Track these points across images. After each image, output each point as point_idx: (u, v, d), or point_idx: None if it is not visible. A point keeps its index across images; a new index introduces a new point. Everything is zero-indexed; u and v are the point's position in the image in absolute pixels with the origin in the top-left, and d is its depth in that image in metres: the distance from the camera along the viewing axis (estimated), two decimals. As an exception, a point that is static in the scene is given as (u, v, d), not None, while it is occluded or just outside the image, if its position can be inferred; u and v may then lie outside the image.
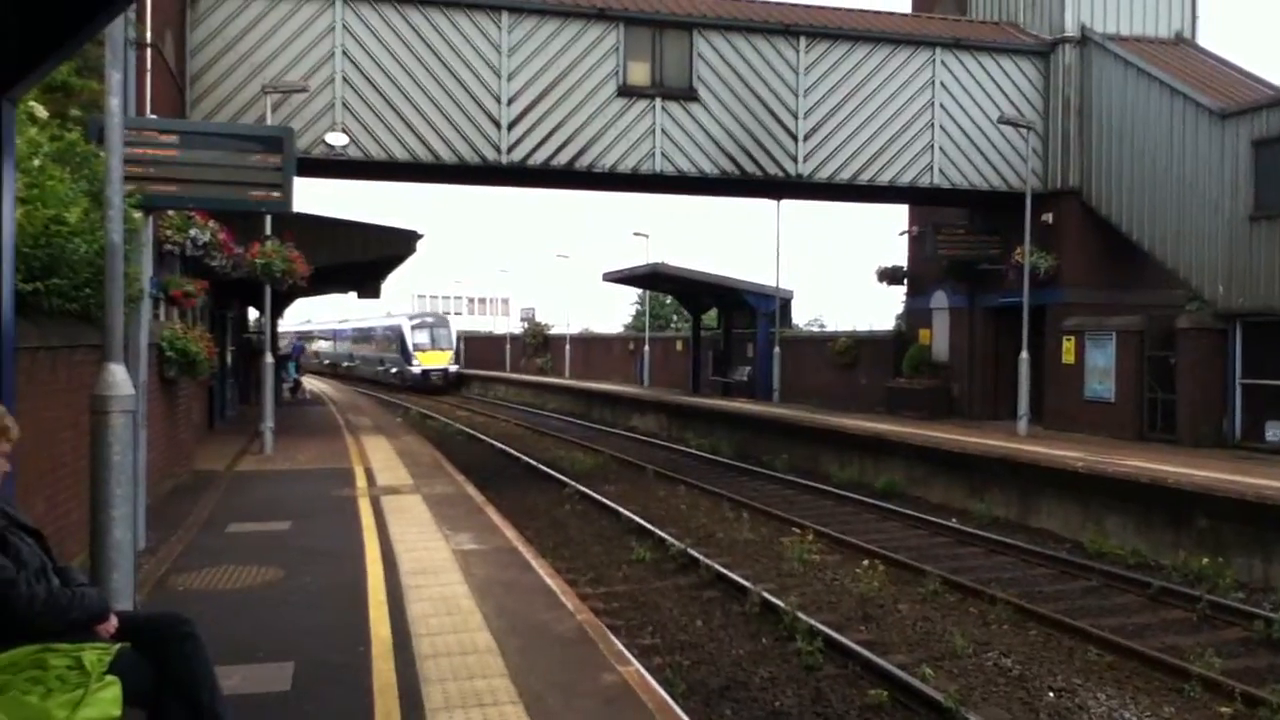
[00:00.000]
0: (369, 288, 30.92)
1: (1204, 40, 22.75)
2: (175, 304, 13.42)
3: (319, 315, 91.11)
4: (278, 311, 30.56)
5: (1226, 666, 8.71)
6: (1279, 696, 7.80)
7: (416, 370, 51.26)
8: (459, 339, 61.73)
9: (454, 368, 53.47)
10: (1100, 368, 19.75)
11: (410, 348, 51.93)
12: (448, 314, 60.38)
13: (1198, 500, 12.82)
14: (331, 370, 69.65)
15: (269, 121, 16.70)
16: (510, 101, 19.34)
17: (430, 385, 50.61)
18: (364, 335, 64.03)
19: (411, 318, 54.96)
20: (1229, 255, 17.85)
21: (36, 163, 7.45)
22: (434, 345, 52.40)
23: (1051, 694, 8.33)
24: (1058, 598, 11.36)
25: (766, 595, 10.62)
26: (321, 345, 77.24)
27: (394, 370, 54.08)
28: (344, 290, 33.39)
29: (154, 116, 12.93)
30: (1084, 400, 20.07)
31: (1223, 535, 12.44)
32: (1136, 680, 8.65)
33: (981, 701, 8.05)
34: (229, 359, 24.62)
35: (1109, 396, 19.52)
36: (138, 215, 8.88)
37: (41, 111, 8.85)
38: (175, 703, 3.92)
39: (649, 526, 14.66)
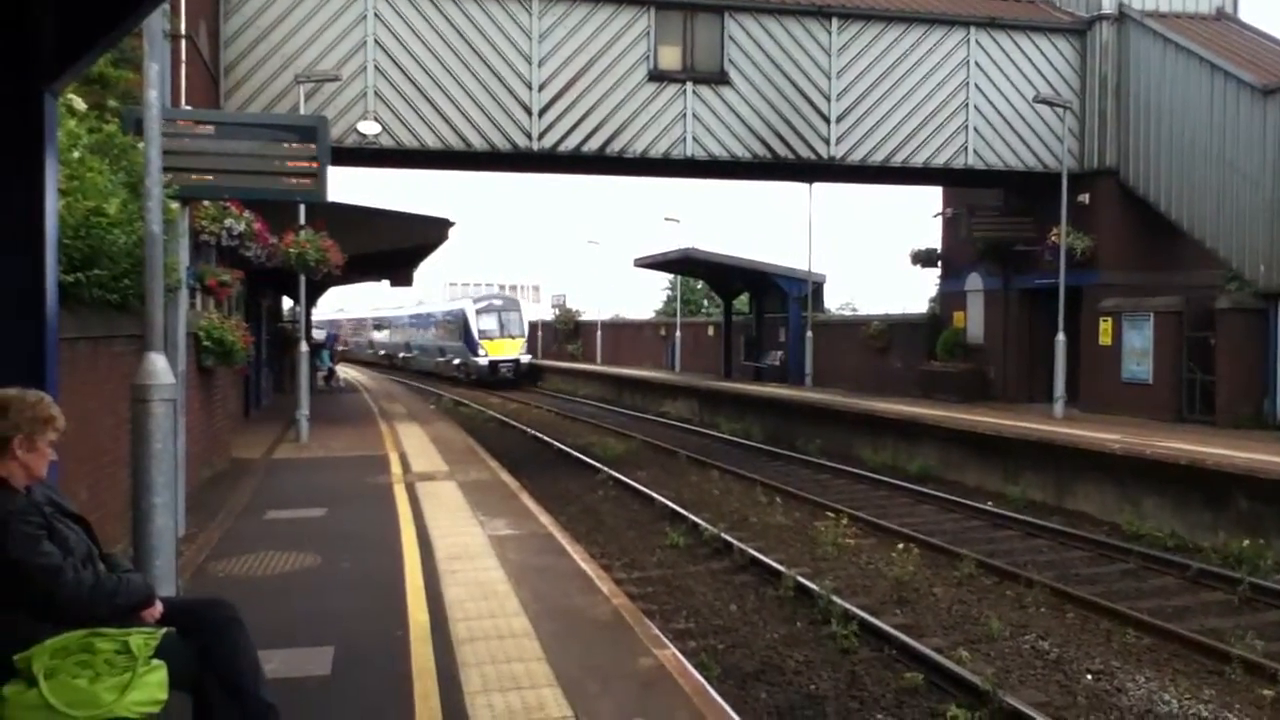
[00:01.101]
0: (401, 276, 31.02)
1: (1246, 15, 22.37)
2: (211, 294, 13.54)
3: (375, 301, 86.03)
4: (312, 300, 30.77)
5: (1269, 649, 8.62)
6: (1321, 680, 7.71)
7: (482, 361, 45.24)
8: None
9: (526, 358, 47.05)
10: (1138, 349, 19.54)
11: (475, 336, 45.81)
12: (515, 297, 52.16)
13: (1237, 482, 12.68)
14: (387, 362, 64.01)
15: (302, 111, 16.80)
16: (541, 88, 19.34)
17: (498, 379, 44.58)
18: (422, 322, 58.05)
19: (476, 301, 48.39)
20: (1270, 235, 17.57)
21: (76, 155, 7.54)
22: (503, 332, 46.12)
23: (1089, 676, 8.29)
24: (1095, 580, 11.29)
25: (801, 579, 10.62)
26: (376, 335, 70.77)
27: (456, 361, 48.35)
28: (377, 279, 33.54)
29: (189, 108, 13.04)
30: (1121, 382, 19.86)
31: (1263, 517, 12.30)
32: (1176, 663, 8.59)
33: (1019, 684, 8.02)
34: (264, 348, 24.83)
35: (1146, 378, 19.31)
36: (175, 206, 8.97)
37: (80, 104, 8.94)
38: (219, 686, 3.99)
39: (682, 511, 14.69)
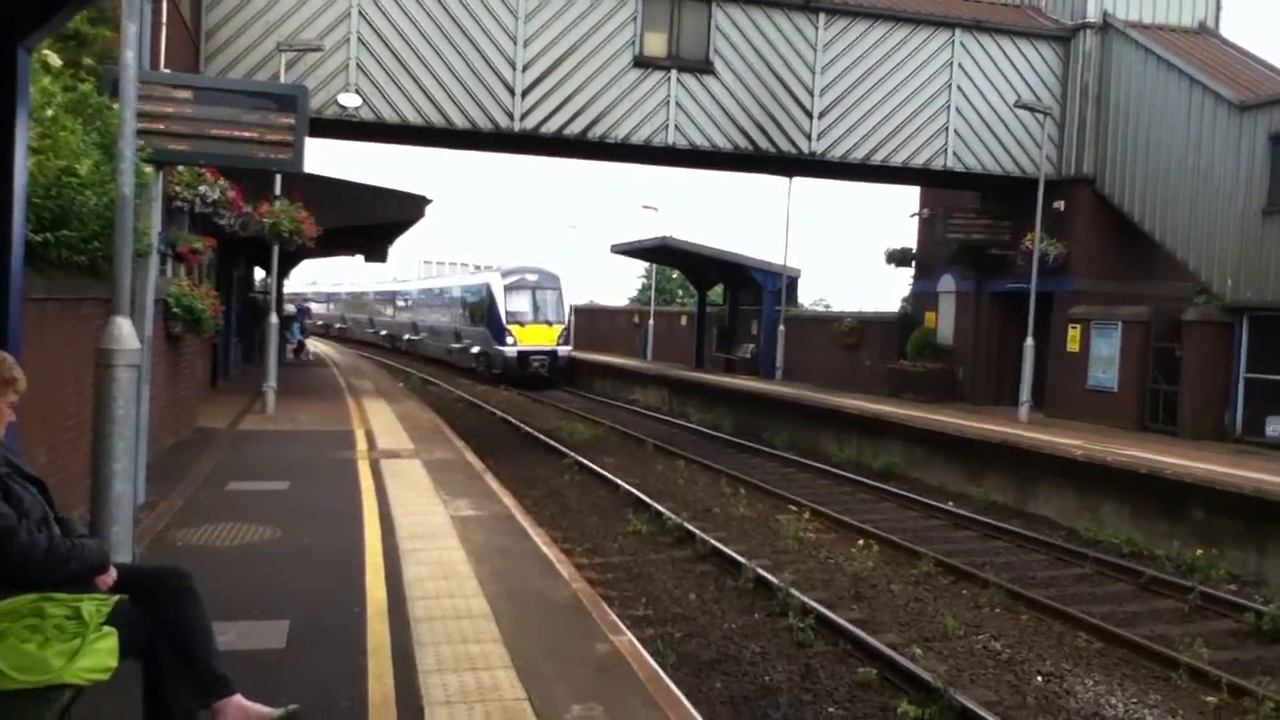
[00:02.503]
0: (376, 251, 30.87)
1: (1227, 31, 22.56)
2: (183, 261, 13.45)
3: (380, 274, 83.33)
4: (285, 272, 30.53)
5: (1214, 657, 8.76)
6: (1265, 688, 7.85)
7: (510, 352, 35.94)
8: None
9: (565, 349, 37.42)
10: (1104, 357, 19.74)
11: (503, 318, 36.38)
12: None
13: (1194, 492, 12.85)
14: (389, 344, 55.62)
15: (283, 80, 16.65)
16: (526, 68, 19.25)
17: (529, 374, 35.73)
18: (433, 299, 48.53)
19: (506, 274, 38.23)
20: (1240, 249, 17.78)
21: (50, 113, 7.45)
22: (537, 315, 36.82)
23: (1040, 678, 8.40)
24: (1050, 583, 11.43)
25: (761, 571, 10.68)
26: (377, 313, 61.45)
27: (476, 349, 39.10)
28: (351, 253, 33.34)
29: (168, 71, 12.90)
30: (1087, 389, 20.06)
31: (1218, 527, 12.49)
32: (1124, 667, 8.72)
33: (970, 683, 8.11)
34: (234, 318, 24.65)
35: (1112, 386, 19.52)
36: (148, 170, 8.88)
37: (55, 60, 8.84)
38: (171, 655, 3.97)
39: (647, 499, 14.73)
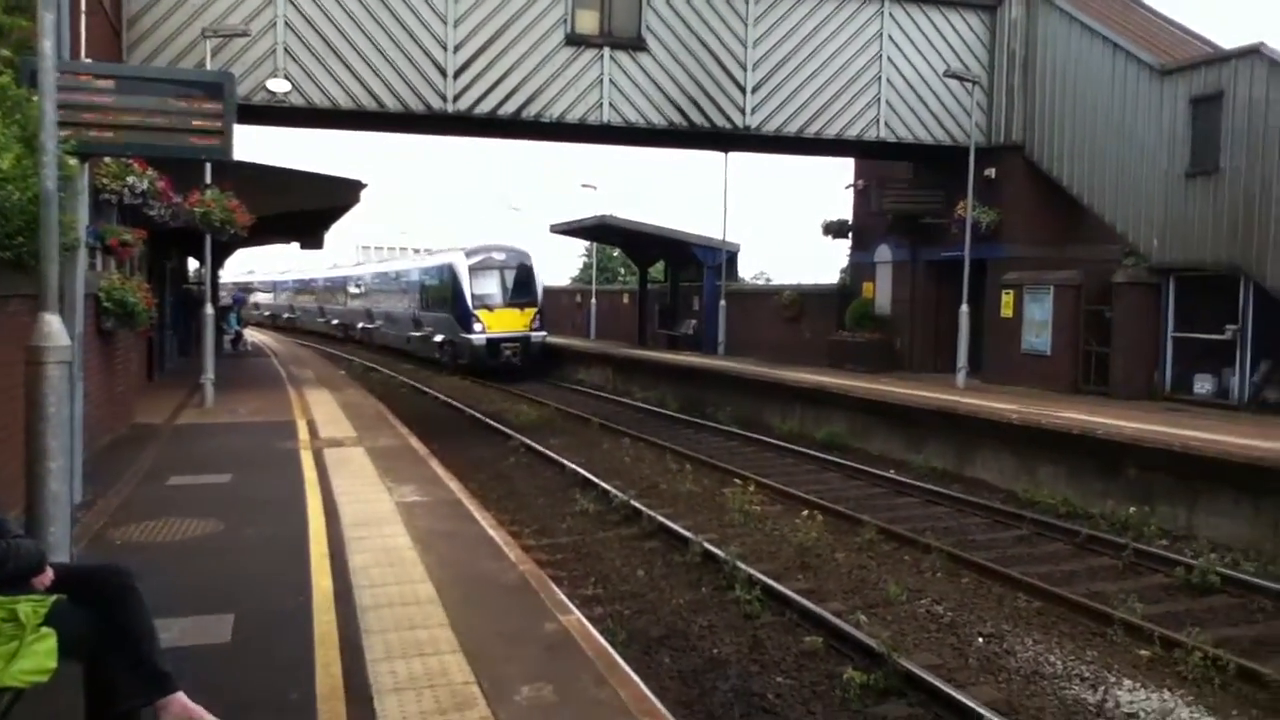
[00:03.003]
0: (312, 238, 30.45)
1: (1148, -3, 22.95)
2: (113, 253, 13.19)
3: (332, 259, 75.34)
4: (219, 262, 30.05)
5: (1148, 611, 9.02)
6: (1194, 639, 8.11)
7: (478, 340, 32.59)
8: None
9: (539, 335, 34.06)
10: (1038, 321, 20.10)
11: (469, 302, 33.03)
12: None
13: (1127, 451, 13.18)
14: (342, 334, 52.54)
15: (209, 67, 16.34)
16: (457, 48, 19.07)
17: (500, 364, 32.54)
18: (389, 283, 45.00)
19: (470, 253, 34.51)
20: (1165, 211, 18.18)
21: (-35, 108, 7.26)
22: (507, 299, 33.51)
23: (981, 639, 8.60)
24: (990, 546, 11.68)
25: (707, 545, 10.80)
26: (328, 301, 57.82)
27: (440, 338, 35.67)
28: (286, 241, 32.88)
29: (89, 60, 12.60)
30: (1022, 353, 20.43)
31: (1150, 485, 12.83)
32: (1062, 625, 8.95)
33: (914, 647, 8.28)
34: (168, 310, 24.24)
35: (1045, 350, 19.89)
36: (73, 162, 8.69)
37: (-31, 54, 8.60)
38: (114, 654, 3.95)
39: (593, 479, 14.78)
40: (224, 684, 4.91)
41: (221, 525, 8.42)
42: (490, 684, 5.10)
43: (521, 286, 34.03)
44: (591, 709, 4.89)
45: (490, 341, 32.60)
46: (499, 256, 34.46)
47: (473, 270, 33.65)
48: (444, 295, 35.25)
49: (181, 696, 4.09)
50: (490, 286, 33.63)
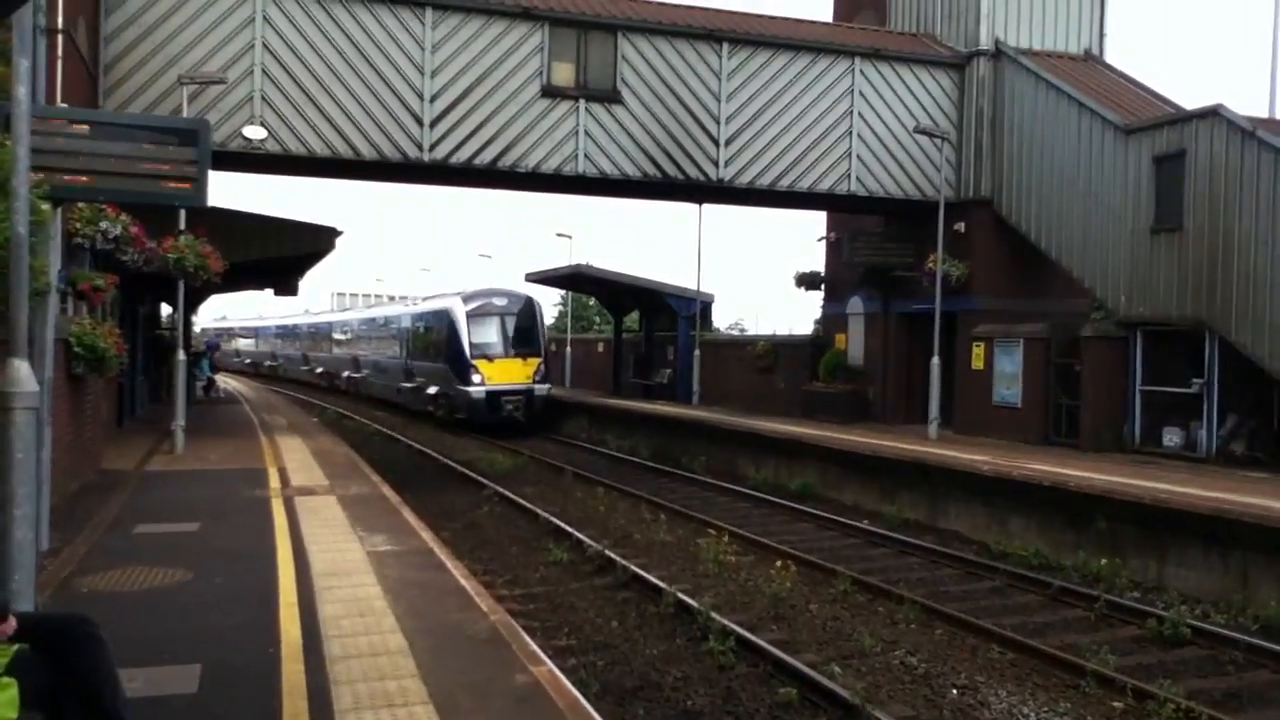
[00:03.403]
0: (286, 285, 30.34)
1: (1111, 58, 23.48)
2: (84, 298, 13.09)
3: (318, 303, 74.53)
4: (192, 308, 29.87)
5: (1120, 663, 9.04)
6: (1166, 690, 8.12)
7: (477, 392, 29.68)
8: None
9: (543, 388, 31.18)
10: (1008, 374, 20.27)
11: (466, 351, 30.27)
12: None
13: (1097, 503, 13.25)
14: (325, 382, 50.00)
15: (185, 113, 16.38)
16: (433, 99, 19.22)
17: (502, 419, 29.69)
18: (378, 330, 41.95)
19: (469, 298, 31.95)
20: (1131, 266, 18.46)
21: (-61, 152, 7.23)
22: (509, 348, 30.76)
23: (955, 691, 8.58)
24: (963, 597, 11.68)
25: (681, 596, 10.75)
26: (312, 348, 54.64)
27: (433, 390, 32.84)
28: (260, 287, 32.70)
29: (64, 105, 12.60)
30: (993, 405, 20.57)
31: (1120, 537, 12.89)
32: (1036, 677, 8.94)
33: (888, 699, 8.25)
34: (140, 356, 24.05)
35: (1016, 402, 20.04)
36: (46, 207, 8.66)
37: (-56, 98, 8.58)
38: (76, 704, 3.89)
39: (567, 528, 14.71)
40: (189, 736, 4.82)
41: (190, 574, 8.30)
42: (461, 736, 5.04)
43: (524, 334, 31.27)
44: (563, 761, 4.83)
45: (490, 395, 29.64)
46: (499, 302, 31.80)
47: (471, 316, 30.88)
48: (439, 343, 32.49)
49: (146, 748, 4.01)
50: (490, 334, 30.88)
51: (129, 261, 14.36)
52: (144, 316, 25.74)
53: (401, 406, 36.78)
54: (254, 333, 72.96)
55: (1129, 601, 11.27)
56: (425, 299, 36.86)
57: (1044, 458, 16.76)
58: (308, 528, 10.43)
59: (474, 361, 30.08)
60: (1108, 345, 18.56)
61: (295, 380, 54.81)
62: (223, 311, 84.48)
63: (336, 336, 49.39)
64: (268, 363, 65.33)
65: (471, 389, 29.75)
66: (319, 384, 50.83)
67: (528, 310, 31.94)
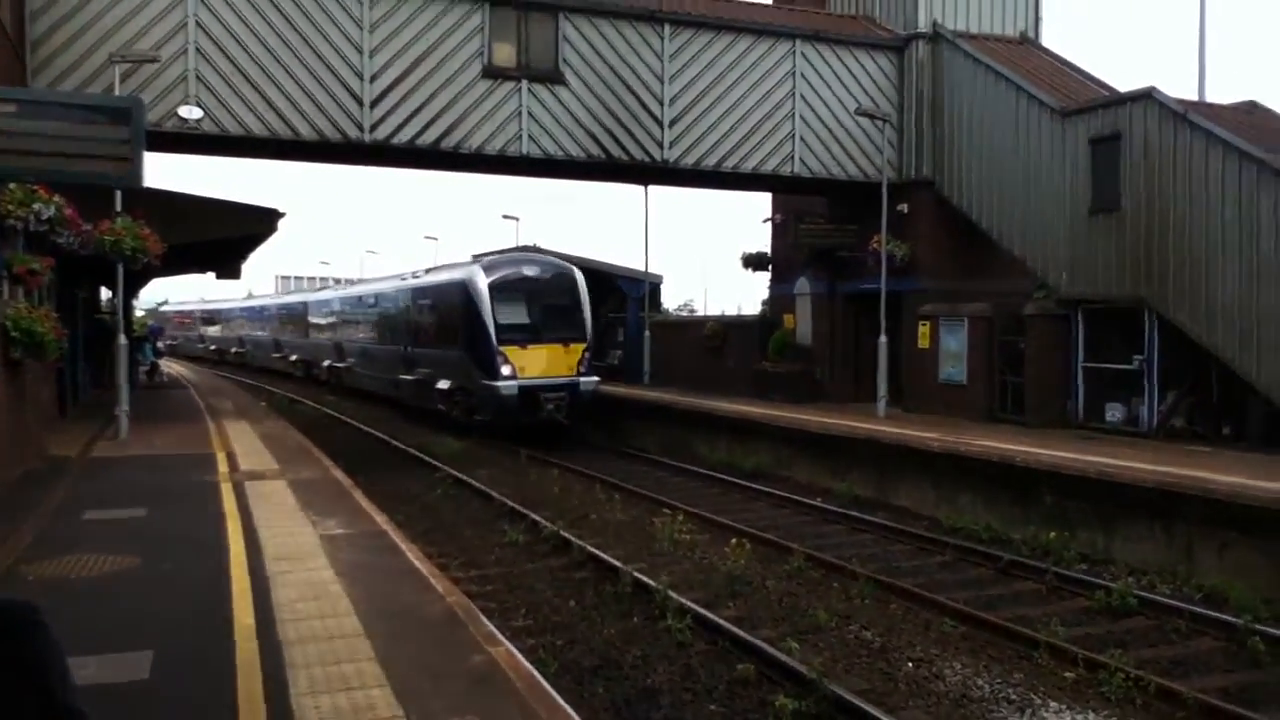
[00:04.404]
0: (228, 268, 29.74)
1: (1047, 41, 23.75)
2: (20, 282, 12.77)
3: (258, 289, 68.33)
4: (133, 291, 29.24)
5: (1071, 634, 9.20)
6: (1116, 660, 8.27)
7: (507, 388, 23.06)
8: None
9: (590, 381, 24.37)
10: (953, 352, 20.48)
11: (491, 336, 23.50)
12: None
13: (1044, 478, 13.47)
14: (303, 371, 43.46)
15: (118, 93, 15.95)
16: (374, 79, 18.89)
17: (540, 422, 23.26)
18: (367, 310, 34.79)
19: (491, 266, 25.26)
20: (1071, 246, 18.72)
21: None
22: (546, 331, 24.09)
23: (910, 664, 8.68)
24: (916, 572, 11.80)
25: (638, 575, 10.75)
26: (283, 332, 47.61)
27: (445, 385, 25.94)
28: (201, 271, 32.07)
29: (-9, 84, 12.23)
30: (939, 383, 20.78)
31: (1067, 511, 13.10)
32: (989, 649, 9.07)
33: (844, 673, 8.32)
34: (80, 341, 23.51)
35: (961, 379, 20.27)
36: (-25, 187, 8.41)
37: None
38: (24, 696, 3.76)
39: (522, 509, 14.65)
40: (144, 722, 4.72)
41: (139, 560, 8.13)
42: (418, 717, 4.99)
43: (564, 313, 24.50)
44: (526, 740, 4.80)
45: (525, 391, 23.04)
46: (531, 271, 24.89)
47: (496, 290, 23.93)
48: (453, 325, 25.58)
49: (98, 735, 3.89)
50: (521, 313, 24.14)
51: (64, 244, 14.00)
52: (83, 301, 25.15)
53: (399, 404, 30.83)
54: (216, 316, 66.33)
55: (1077, 574, 11.46)
56: (429, 270, 29.77)
57: (990, 434, 16.98)
58: (258, 512, 10.27)
59: (501, 349, 23.31)
60: (1050, 323, 18.82)
61: (266, 370, 49.21)
62: (200, 294, 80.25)
63: (314, 319, 42.11)
64: (234, 349, 58.87)
65: (499, 384, 22.99)
66: (293, 374, 44.65)
67: (567, 281, 25.03)
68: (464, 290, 24.60)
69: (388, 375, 31.23)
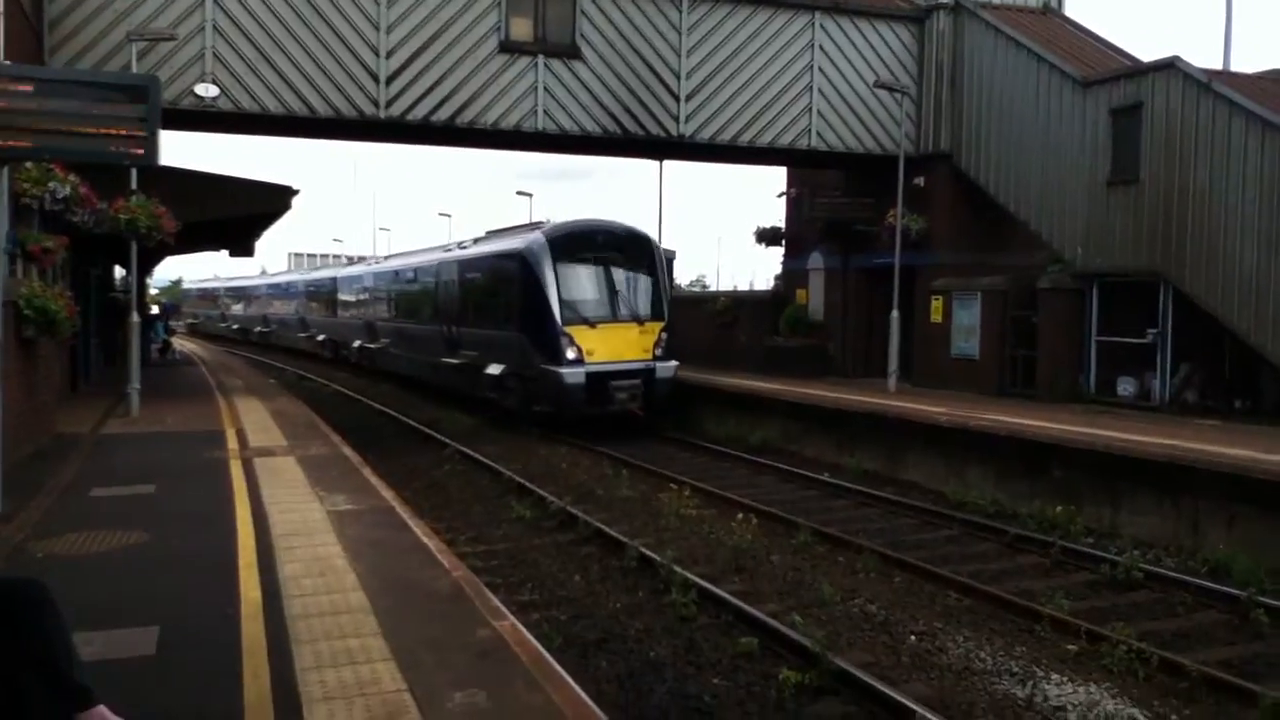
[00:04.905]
0: (241, 246, 29.92)
1: (1070, 11, 23.53)
2: (34, 260, 12.87)
3: (273, 267, 67.98)
4: (146, 270, 29.40)
5: (1074, 607, 9.24)
6: (1118, 633, 8.31)
7: (573, 375, 20.39)
8: None
9: (669, 366, 21.54)
10: (966, 326, 20.44)
11: (555, 313, 20.75)
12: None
13: (1052, 451, 13.47)
14: (332, 353, 40.97)
15: (135, 71, 16.02)
16: (389, 55, 18.91)
17: (611, 412, 20.69)
18: (402, 284, 32.04)
19: (554, 234, 21.91)
20: (1088, 219, 18.62)
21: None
22: (619, 308, 21.43)
23: (913, 638, 8.72)
24: (921, 546, 11.84)
25: (643, 550, 10.82)
26: (311, 309, 45.05)
27: (497, 370, 22.88)
28: (215, 248, 32.29)
29: (7, 62, 12.30)
30: (951, 357, 20.76)
31: (1075, 484, 13.11)
32: (992, 623, 9.11)
33: (848, 647, 8.38)
34: (93, 319, 23.71)
35: (974, 354, 20.24)
36: (-11, 167, 8.49)
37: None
38: (31, 672, 3.86)
39: (529, 485, 14.74)
40: (149, 697, 4.81)
41: (147, 537, 8.25)
42: (422, 691, 5.06)
43: (640, 287, 21.84)
44: (524, 714, 4.87)
45: (593, 378, 20.30)
46: (601, 238, 21.98)
47: (561, 260, 21.08)
48: (507, 302, 22.72)
49: (103, 710, 4.00)
50: (590, 287, 21.38)
51: (79, 223, 14.11)
52: (97, 279, 25.34)
53: (442, 389, 27.90)
54: (239, 294, 64.10)
55: (1083, 547, 11.47)
56: (477, 240, 26.76)
57: (1001, 408, 16.96)
58: (267, 488, 10.38)
59: (566, 328, 20.50)
60: (1064, 297, 18.75)
61: (292, 350, 46.81)
62: (213, 271, 79.86)
63: (344, 296, 39.64)
64: (258, 329, 56.62)
65: (564, 370, 20.21)
66: (320, 355, 42.18)
67: (642, 249, 22.28)
68: (522, 261, 21.73)
69: (426, 358, 28.23)
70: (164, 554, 7.76)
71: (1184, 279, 16.60)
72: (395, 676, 5.26)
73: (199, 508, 9.45)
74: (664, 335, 21.41)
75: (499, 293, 23.42)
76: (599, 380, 20.35)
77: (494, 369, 22.92)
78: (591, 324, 20.72)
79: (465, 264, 25.94)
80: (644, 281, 21.90)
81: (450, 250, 28.08)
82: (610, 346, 20.76)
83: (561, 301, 20.71)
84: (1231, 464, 11.39)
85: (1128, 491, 12.49)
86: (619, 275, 21.62)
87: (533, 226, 23.54)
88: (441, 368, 26.83)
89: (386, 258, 34.83)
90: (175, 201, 16.25)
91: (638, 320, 21.25)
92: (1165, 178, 16.98)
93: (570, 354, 20.37)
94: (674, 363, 21.54)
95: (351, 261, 51.02)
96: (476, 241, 26.54)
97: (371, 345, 34.61)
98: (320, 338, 42.90)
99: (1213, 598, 9.65)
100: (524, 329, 21.60)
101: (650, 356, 21.06)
